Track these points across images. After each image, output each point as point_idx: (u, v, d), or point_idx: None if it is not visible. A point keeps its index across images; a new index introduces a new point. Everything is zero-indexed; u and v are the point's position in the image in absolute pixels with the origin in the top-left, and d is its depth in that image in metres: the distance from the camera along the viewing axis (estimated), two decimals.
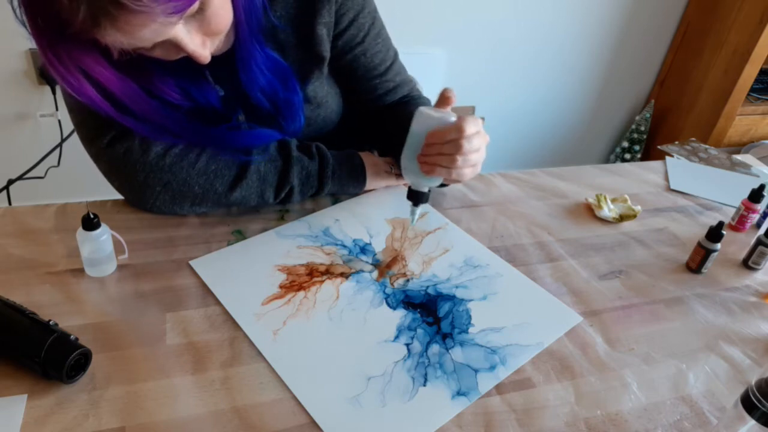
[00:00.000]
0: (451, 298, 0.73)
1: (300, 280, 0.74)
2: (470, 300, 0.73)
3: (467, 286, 0.76)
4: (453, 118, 0.71)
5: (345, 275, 0.75)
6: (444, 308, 0.72)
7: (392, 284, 0.75)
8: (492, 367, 0.64)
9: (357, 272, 0.76)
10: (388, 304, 0.72)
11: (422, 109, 0.73)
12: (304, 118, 0.85)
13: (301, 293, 0.72)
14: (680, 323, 0.75)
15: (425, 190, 0.77)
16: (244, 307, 0.68)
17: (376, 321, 0.69)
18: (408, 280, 0.76)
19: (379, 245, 0.81)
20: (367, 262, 0.78)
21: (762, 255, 0.85)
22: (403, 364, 0.64)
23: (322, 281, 0.74)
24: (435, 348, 0.66)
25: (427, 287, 0.75)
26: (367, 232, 0.83)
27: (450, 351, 0.66)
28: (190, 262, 0.74)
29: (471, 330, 0.69)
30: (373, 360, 0.64)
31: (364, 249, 0.80)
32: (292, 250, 0.78)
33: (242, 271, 0.74)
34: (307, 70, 0.84)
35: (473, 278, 0.77)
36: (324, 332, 0.67)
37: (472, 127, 0.70)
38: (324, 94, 0.89)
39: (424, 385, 0.62)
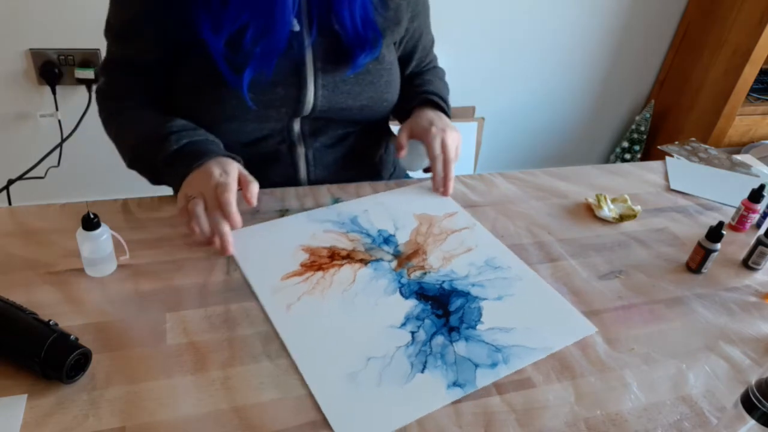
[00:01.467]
0: (465, 294, 0.74)
1: (321, 261, 0.77)
2: (484, 299, 0.73)
3: (484, 285, 0.76)
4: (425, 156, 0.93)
5: (364, 262, 0.78)
6: (456, 303, 0.72)
7: (409, 275, 0.76)
8: (493, 364, 0.65)
9: (377, 260, 0.78)
10: (402, 293, 0.73)
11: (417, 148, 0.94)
12: (373, 76, 0.90)
13: (320, 273, 0.75)
14: (680, 323, 0.75)
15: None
16: (264, 280, 0.72)
17: (387, 307, 0.71)
18: (425, 273, 0.77)
19: (403, 237, 0.83)
20: (388, 252, 0.80)
21: (762, 255, 0.85)
22: (405, 350, 0.65)
23: (342, 265, 0.76)
24: (439, 339, 0.67)
25: (443, 282, 0.75)
26: (393, 224, 0.85)
27: (454, 344, 0.67)
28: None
29: (479, 327, 0.69)
30: (376, 342, 0.66)
31: (388, 240, 0.82)
32: (318, 233, 0.81)
33: (269, 246, 0.78)
34: (382, 27, 0.89)
35: (491, 278, 0.77)
36: (335, 311, 0.69)
37: (446, 156, 0.90)
38: (391, 60, 0.94)
39: (422, 372, 0.63)
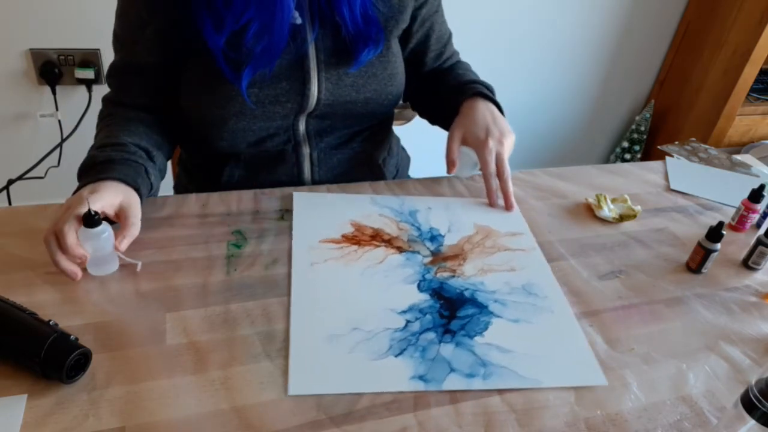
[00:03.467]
0: (481, 306, 0.72)
1: (361, 237, 0.81)
2: (499, 317, 0.71)
3: (506, 304, 0.73)
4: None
5: (401, 250, 0.80)
6: (467, 311, 0.71)
7: (436, 273, 0.76)
8: (470, 375, 0.63)
9: (413, 252, 0.80)
10: (419, 287, 0.74)
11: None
12: (375, 69, 0.90)
13: (354, 247, 0.79)
14: (680, 323, 0.75)
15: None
16: (305, 238, 0.79)
17: (397, 293, 0.72)
18: (453, 276, 0.76)
19: (451, 240, 0.83)
20: (428, 248, 0.81)
21: (762, 255, 0.85)
22: (392, 333, 0.66)
23: (378, 246, 0.80)
24: (430, 335, 0.67)
25: (466, 289, 0.75)
26: (448, 226, 0.86)
27: (441, 344, 0.66)
28: (294, 193, 0.88)
29: (477, 338, 0.67)
30: (369, 319, 0.68)
31: (434, 238, 0.83)
32: (373, 215, 0.86)
33: (324, 213, 0.84)
34: (385, 19, 0.89)
35: (519, 301, 0.73)
36: (349, 281, 0.73)
37: (499, 164, 0.89)
38: (395, 52, 0.93)
39: (396, 356, 0.64)
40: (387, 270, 0.76)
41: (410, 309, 0.70)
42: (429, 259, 0.79)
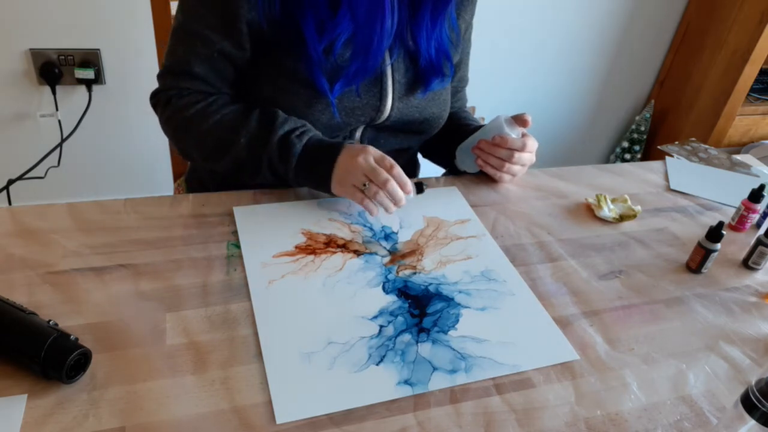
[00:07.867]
0: (448, 299, 0.73)
1: (316, 246, 0.79)
2: (466, 307, 0.72)
3: (470, 294, 0.74)
4: (516, 135, 0.91)
5: (358, 253, 0.78)
6: (435, 306, 0.72)
7: (398, 273, 0.76)
8: (453, 371, 0.64)
9: (371, 254, 0.79)
10: (384, 288, 0.73)
11: (502, 117, 0.91)
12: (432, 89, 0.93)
13: (311, 257, 0.77)
14: (680, 323, 0.75)
15: (465, 170, 1.00)
16: (257, 255, 0.75)
17: (364, 298, 0.71)
18: (415, 273, 0.76)
19: (404, 236, 0.83)
20: (384, 248, 0.80)
21: (762, 255, 0.85)
22: (368, 341, 0.66)
23: (335, 252, 0.78)
24: (406, 337, 0.67)
25: (429, 284, 0.75)
26: (399, 223, 0.85)
27: (419, 344, 0.66)
28: (234, 208, 0.83)
29: (451, 333, 0.68)
30: (341, 329, 0.67)
31: (388, 236, 0.83)
32: (322, 221, 0.83)
33: (272, 225, 0.81)
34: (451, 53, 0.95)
35: (482, 289, 0.75)
36: (312, 294, 0.71)
37: (530, 148, 0.92)
38: (449, 82, 0.97)
39: (377, 365, 0.63)
40: (349, 276, 0.74)
41: (381, 313, 0.69)
42: (387, 258, 0.78)
